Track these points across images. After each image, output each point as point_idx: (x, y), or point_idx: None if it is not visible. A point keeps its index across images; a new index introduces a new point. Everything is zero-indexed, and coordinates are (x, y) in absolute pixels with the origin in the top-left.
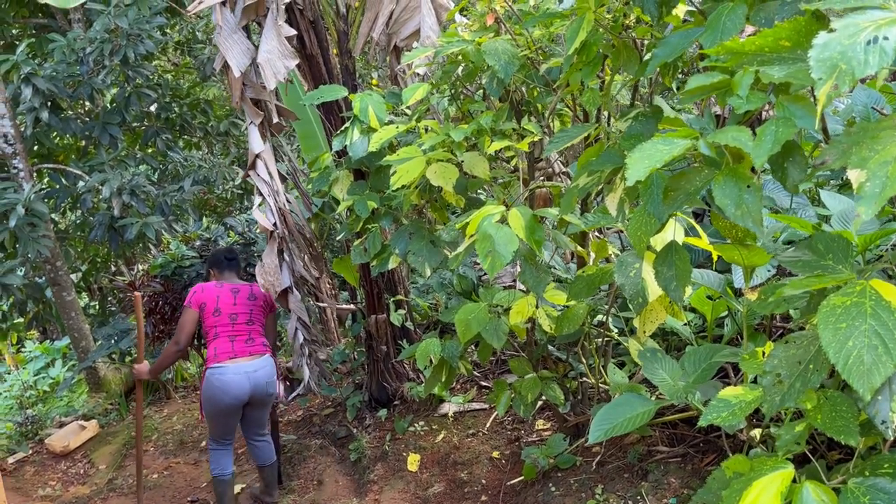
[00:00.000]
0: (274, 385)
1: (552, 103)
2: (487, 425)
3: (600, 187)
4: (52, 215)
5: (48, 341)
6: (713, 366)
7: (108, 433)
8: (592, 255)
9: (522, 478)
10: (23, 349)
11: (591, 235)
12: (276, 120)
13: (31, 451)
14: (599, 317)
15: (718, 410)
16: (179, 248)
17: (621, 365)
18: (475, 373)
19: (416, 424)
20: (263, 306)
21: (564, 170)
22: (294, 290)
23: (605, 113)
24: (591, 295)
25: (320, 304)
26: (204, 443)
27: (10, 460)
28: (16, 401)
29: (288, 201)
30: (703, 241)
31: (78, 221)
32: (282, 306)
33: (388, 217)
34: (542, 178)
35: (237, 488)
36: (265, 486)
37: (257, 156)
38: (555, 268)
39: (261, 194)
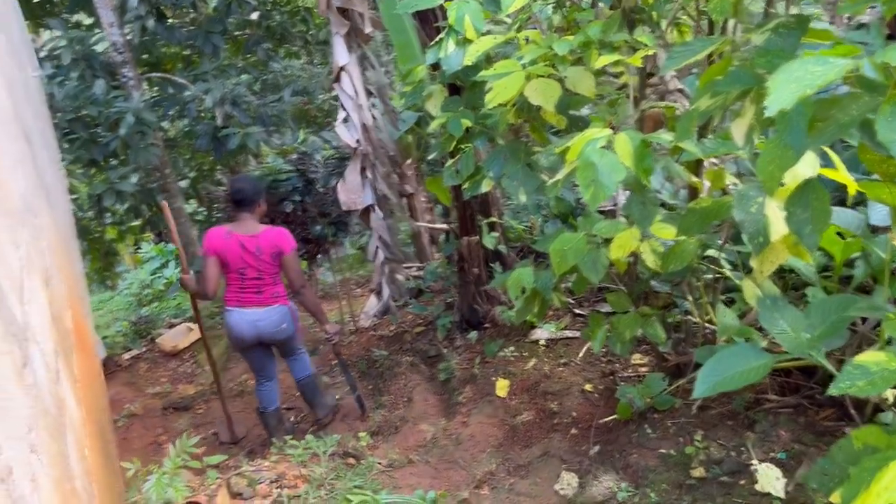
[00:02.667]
0: (284, 330)
1: (671, 11)
2: (580, 355)
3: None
4: (162, 123)
5: (163, 243)
6: (845, 319)
7: (212, 335)
8: (707, 184)
9: (616, 416)
10: (140, 250)
11: (706, 163)
12: (367, 30)
13: (143, 349)
14: (711, 251)
15: (854, 378)
16: (276, 162)
17: (731, 302)
18: (570, 300)
19: (506, 349)
20: (272, 257)
21: (679, 87)
22: (376, 208)
23: (734, 23)
24: (704, 231)
25: (415, 223)
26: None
27: (126, 356)
28: (135, 298)
29: (373, 117)
30: (842, 175)
31: (185, 130)
32: (363, 224)
33: (482, 136)
34: (654, 96)
35: (331, 400)
36: (307, 402)
37: (342, 68)
38: (660, 192)
39: (344, 109)
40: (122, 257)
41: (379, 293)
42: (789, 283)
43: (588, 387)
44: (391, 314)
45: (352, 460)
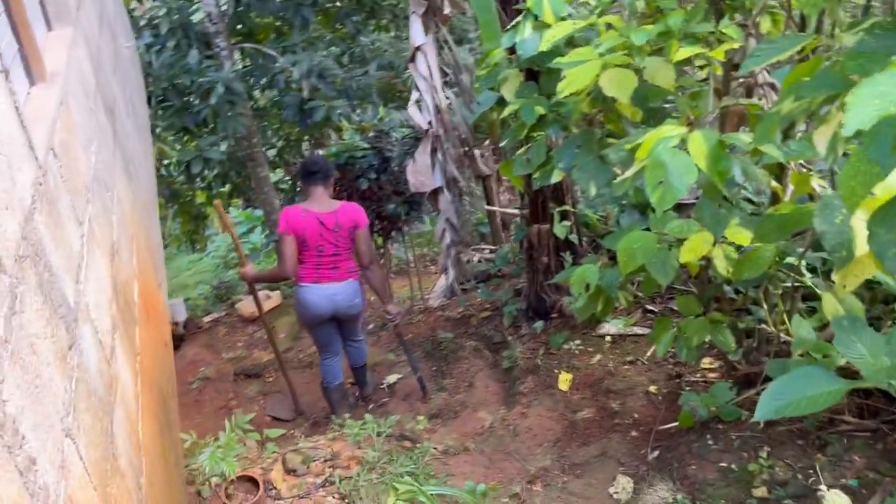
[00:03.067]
0: (356, 304)
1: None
2: (648, 354)
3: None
4: (252, 93)
5: (250, 209)
6: None
7: (288, 304)
8: (790, 188)
9: (677, 424)
10: (229, 214)
11: (791, 166)
12: (446, 10)
13: (223, 313)
14: (791, 259)
15: None
16: (353, 138)
17: (812, 311)
18: (640, 298)
19: (571, 342)
20: (349, 232)
21: (770, 80)
22: (445, 190)
23: (829, 21)
24: (782, 238)
25: (486, 206)
26: (371, 325)
27: (206, 319)
28: (221, 260)
29: (447, 98)
30: None
31: (274, 100)
32: (431, 206)
33: (555, 125)
34: (740, 90)
35: (394, 377)
36: (356, 382)
37: (418, 48)
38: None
39: (418, 90)
40: (211, 220)
41: (446, 275)
42: (878, 295)
43: (652, 388)
44: (457, 297)
45: (407, 443)
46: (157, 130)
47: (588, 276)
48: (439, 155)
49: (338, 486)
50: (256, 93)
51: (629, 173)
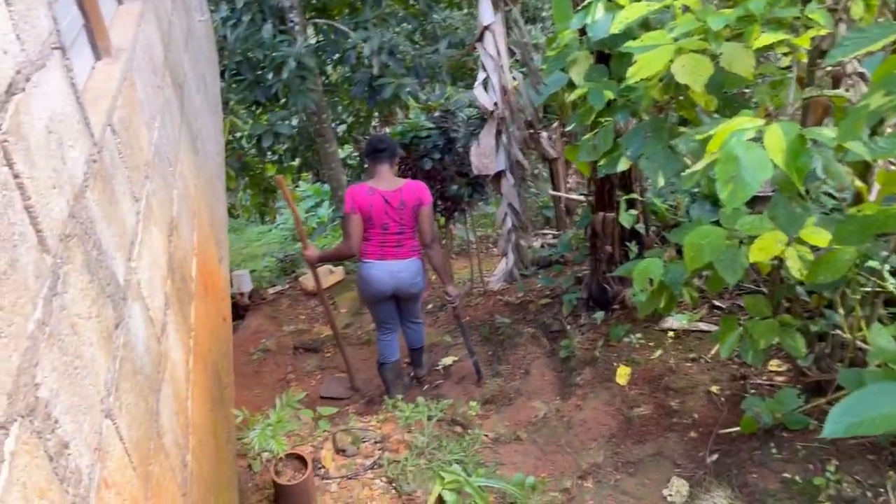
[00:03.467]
0: (418, 283)
1: None
2: (712, 352)
3: None
4: (326, 68)
5: (319, 183)
6: None
7: (351, 280)
8: (876, 188)
9: (739, 428)
10: (298, 188)
11: (878, 164)
12: None
13: (287, 286)
14: (872, 262)
15: None
16: (419, 117)
17: (893, 318)
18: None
19: (632, 335)
20: (413, 210)
21: (860, 70)
22: (508, 174)
23: None
24: (865, 242)
25: (551, 191)
26: (430, 305)
27: (271, 291)
28: (289, 233)
29: (514, 79)
30: None
31: (345, 76)
32: (494, 189)
33: (624, 111)
34: (826, 78)
35: (450, 360)
36: (412, 363)
37: (486, 27)
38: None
39: (485, 70)
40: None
41: (505, 260)
42: None
43: (715, 389)
44: (516, 282)
45: (458, 429)
46: (230, 104)
47: (652, 271)
48: (504, 137)
49: (385, 469)
50: (329, 68)
51: (699, 166)
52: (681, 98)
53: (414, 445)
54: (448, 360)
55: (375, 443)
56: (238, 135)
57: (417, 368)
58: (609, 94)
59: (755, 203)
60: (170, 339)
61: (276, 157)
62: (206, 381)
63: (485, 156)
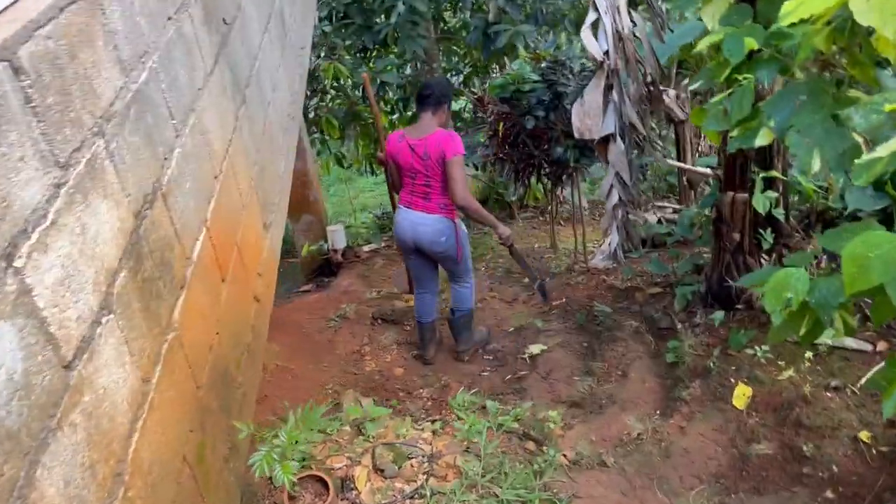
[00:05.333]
0: (440, 243)
1: None
2: (862, 381)
3: None
4: (444, 14)
5: None
6: None
7: None
8: None
9: None
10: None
11: None
12: None
13: (383, 245)
14: None
15: None
16: (522, 68)
17: None
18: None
19: (757, 346)
20: (437, 162)
21: None
22: (618, 138)
23: None
24: None
25: (671, 162)
26: (526, 280)
27: (366, 248)
28: None
29: (633, 23)
30: None
31: (461, 23)
32: (600, 157)
33: (771, 65)
34: None
35: (538, 348)
36: (452, 332)
37: None
38: None
39: (596, 10)
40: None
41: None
42: None
43: (864, 435)
44: (620, 265)
45: (531, 445)
46: (336, 49)
47: (792, 286)
48: (614, 94)
49: (427, 501)
50: (447, 14)
51: (883, 151)
52: (857, 50)
53: (467, 473)
54: (535, 349)
55: (421, 463)
56: (342, 82)
57: (458, 341)
58: (752, 43)
59: None
60: (102, 358)
61: (389, 108)
62: (191, 394)
63: (589, 116)
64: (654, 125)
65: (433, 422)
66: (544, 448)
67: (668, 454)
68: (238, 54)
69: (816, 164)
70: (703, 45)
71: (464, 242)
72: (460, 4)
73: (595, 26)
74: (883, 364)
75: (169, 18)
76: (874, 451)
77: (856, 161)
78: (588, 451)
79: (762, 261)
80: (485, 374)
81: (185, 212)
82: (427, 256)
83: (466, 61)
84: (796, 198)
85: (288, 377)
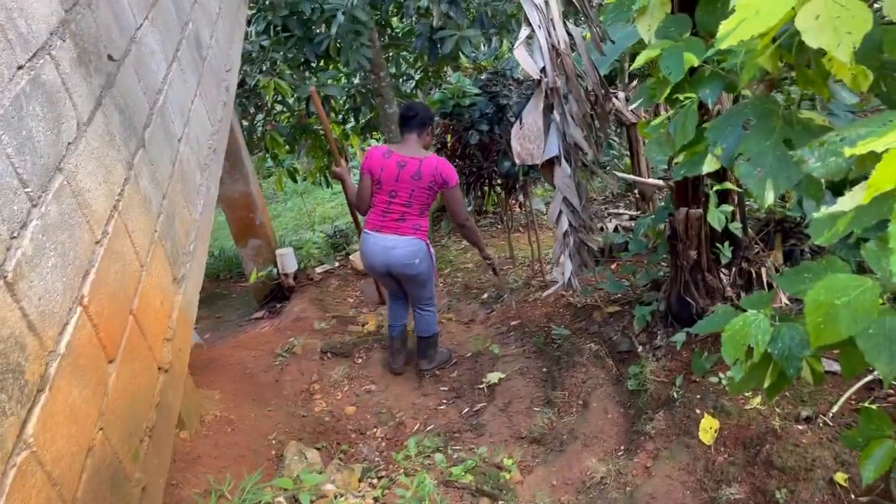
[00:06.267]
0: (413, 265)
1: None
2: (835, 409)
3: None
4: (391, 20)
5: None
6: None
7: None
8: None
9: None
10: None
11: None
12: None
13: (337, 265)
14: None
15: None
16: (461, 82)
17: None
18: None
19: (721, 372)
20: (429, 187)
21: None
22: (562, 161)
23: None
24: None
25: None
26: (486, 295)
27: (318, 270)
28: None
29: (570, 36)
30: None
31: (406, 29)
32: (545, 180)
33: (715, 84)
34: None
35: (496, 376)
36: (417, 352)
37: None
38: None
39: (528, 23)
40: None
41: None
42: None
43: (840, 478)
44: (573, 290)
45: (485, 501)
46: (276, 63)
47: (752, 335)
48: (556, 114)
49: None
50: (395, 20)
51: (845, 202)
52: (807, 68)
53: None
54: (494, 377)
55: None
56: (279, 97)
57: (422, 360)
58: (692, 59)
59: None
60: None
61: (339, 118)
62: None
63: (529, 140)
64: (609, 129)
65: (379, 478)
66: (499, 503)
67: (633, 499)
68: (132, 93)
69: (770, 197)
70: (639, 62)
71: (433, 261)
72: (404, 10)
73: (529, 41)
74: (852, 390)
75: (19, 68)
76: (852, 496)
77: (815, 216)
78: (548, 500)
79: (722, 276)
80: (441, 407)
81: (46, 296)
82: (396, 280)
83: (417, 66)
84: (754, 203)
85: (227, 429)
